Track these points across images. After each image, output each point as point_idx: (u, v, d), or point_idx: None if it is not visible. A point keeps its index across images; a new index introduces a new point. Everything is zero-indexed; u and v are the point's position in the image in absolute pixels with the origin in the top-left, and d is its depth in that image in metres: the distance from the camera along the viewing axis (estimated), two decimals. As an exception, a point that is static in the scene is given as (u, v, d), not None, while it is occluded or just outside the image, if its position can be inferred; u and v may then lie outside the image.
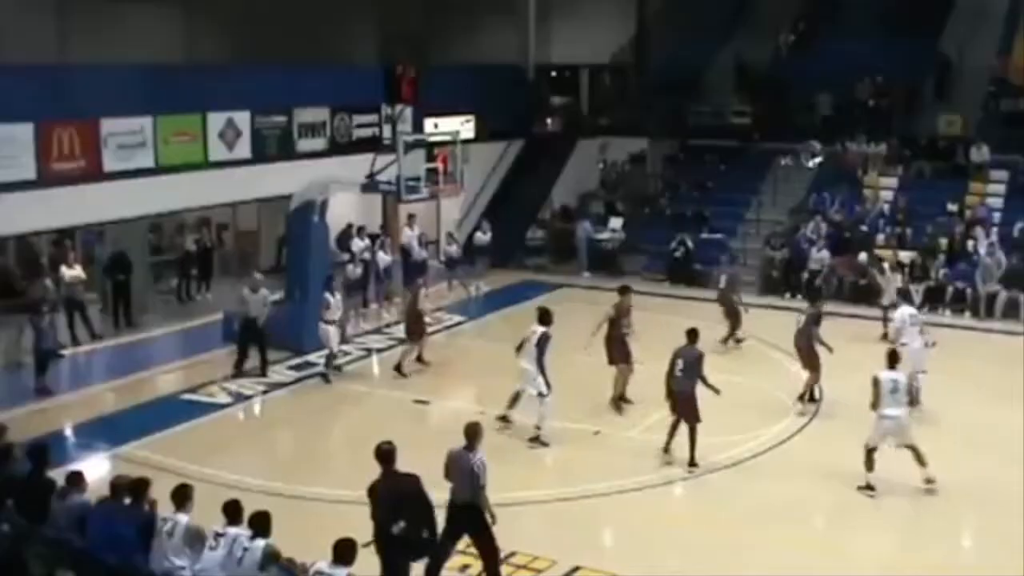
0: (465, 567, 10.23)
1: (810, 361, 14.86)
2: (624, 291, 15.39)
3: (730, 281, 18.53)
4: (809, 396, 15.01)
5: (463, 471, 9.36)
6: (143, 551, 8.36)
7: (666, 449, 13.03)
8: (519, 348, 13.79)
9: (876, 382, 11.96)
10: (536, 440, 13.61)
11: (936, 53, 25.56)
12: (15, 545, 8.25)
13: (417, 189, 17.72)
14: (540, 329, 13.59)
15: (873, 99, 25.78)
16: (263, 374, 16.37)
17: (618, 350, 14.86)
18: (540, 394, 13.56)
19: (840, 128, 25.04)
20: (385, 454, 8.91)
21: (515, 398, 13.95)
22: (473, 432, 9.55)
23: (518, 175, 26.96)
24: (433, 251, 23.24)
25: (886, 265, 19.84)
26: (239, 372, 16.37)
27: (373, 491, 8.84)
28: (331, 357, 16.53)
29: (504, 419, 13.96)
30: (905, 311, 15.46)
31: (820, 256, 21.90)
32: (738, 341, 18.16)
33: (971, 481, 12.35)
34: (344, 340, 17.27)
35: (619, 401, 14.94)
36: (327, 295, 16.59)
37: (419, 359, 16.93)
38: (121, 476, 9.34)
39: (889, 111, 25.52)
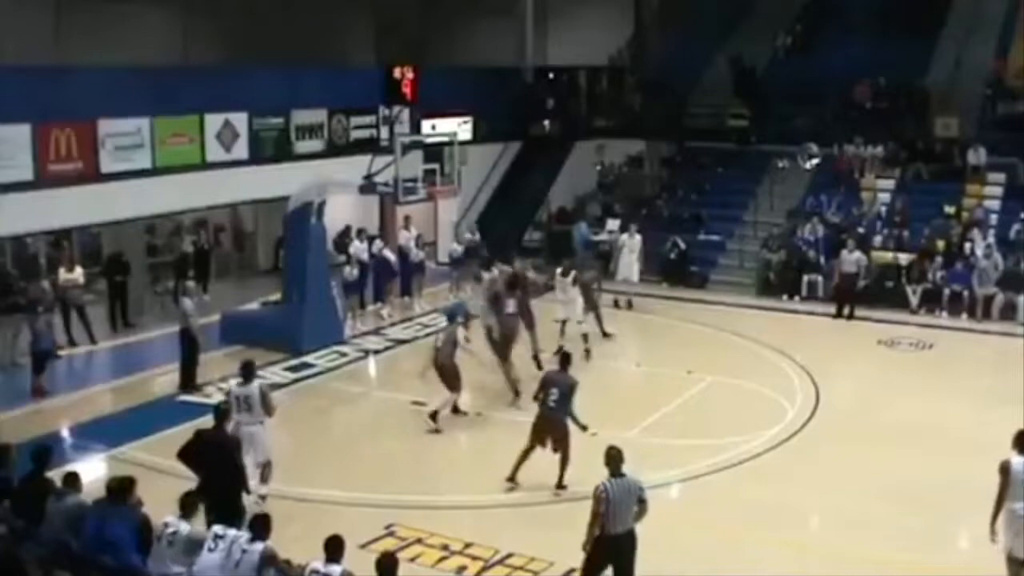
0: (462, 568, 10.22)
1: None
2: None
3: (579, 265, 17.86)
4: None
5: (630, 499, 8.97)
6: (139, 552, 8.36)
7: None
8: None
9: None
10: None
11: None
12: (12, 546, 8.23)
13: (414, 190, 17.73)
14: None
15: (871, 101, 25.81)
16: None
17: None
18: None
19: (838, 130, 25.04)
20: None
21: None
22: (615, 457, 9.11)
23: (515, 177, 26.96)
24: (430, 252, 23.20)
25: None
26: (196, 385, 15.74)
27: None
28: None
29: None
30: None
31: (854, 258, 20.50)
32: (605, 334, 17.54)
33: (967, 483, 12.33)
34: None
35: None
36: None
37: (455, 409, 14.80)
38: (116, 477, 9.32)
39: (887, 113, 25.53)
